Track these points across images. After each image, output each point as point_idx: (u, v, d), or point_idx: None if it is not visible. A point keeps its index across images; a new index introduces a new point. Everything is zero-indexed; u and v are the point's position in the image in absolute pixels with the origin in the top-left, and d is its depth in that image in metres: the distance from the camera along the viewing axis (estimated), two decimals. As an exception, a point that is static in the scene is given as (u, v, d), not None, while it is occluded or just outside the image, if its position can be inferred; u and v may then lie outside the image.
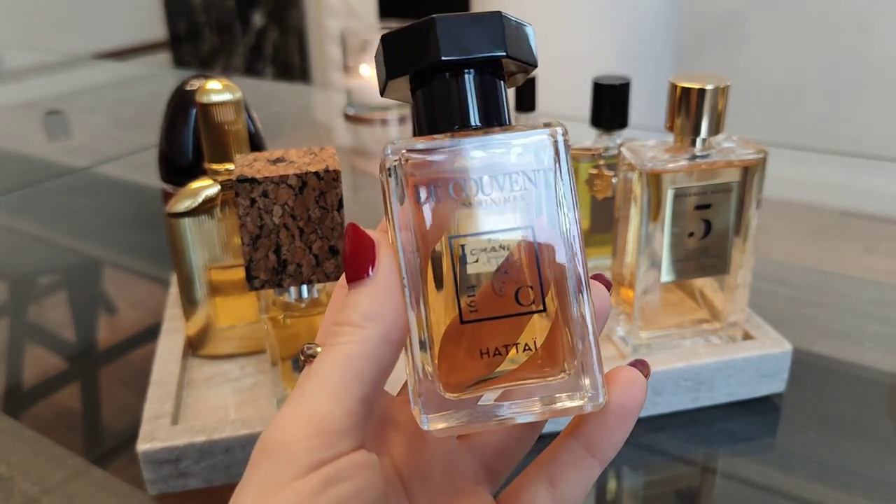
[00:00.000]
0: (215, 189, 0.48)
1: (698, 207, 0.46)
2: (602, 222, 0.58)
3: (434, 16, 0.23)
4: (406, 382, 0.26)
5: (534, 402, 0.22)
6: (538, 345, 0.23)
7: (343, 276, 0.24)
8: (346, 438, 0.21)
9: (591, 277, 0.24)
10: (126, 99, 1.39)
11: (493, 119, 0.24)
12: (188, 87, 0.58)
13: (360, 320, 0.22)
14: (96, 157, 1.04)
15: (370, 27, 1.28)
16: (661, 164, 0.45)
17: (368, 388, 0.22)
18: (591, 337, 0.23)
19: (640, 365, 0.24)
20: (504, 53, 0.23)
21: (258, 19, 2.49)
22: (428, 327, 0.22)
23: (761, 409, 0.48)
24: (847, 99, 1.66)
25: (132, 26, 2.39)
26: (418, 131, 0.24)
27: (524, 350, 0.23)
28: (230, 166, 0.48)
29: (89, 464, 0.46)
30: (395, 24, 1.12)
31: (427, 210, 0.23)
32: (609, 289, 0.25)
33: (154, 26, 2.46)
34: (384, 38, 0.24)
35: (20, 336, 0.63)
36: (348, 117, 1.11)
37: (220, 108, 0.46)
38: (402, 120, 1.08)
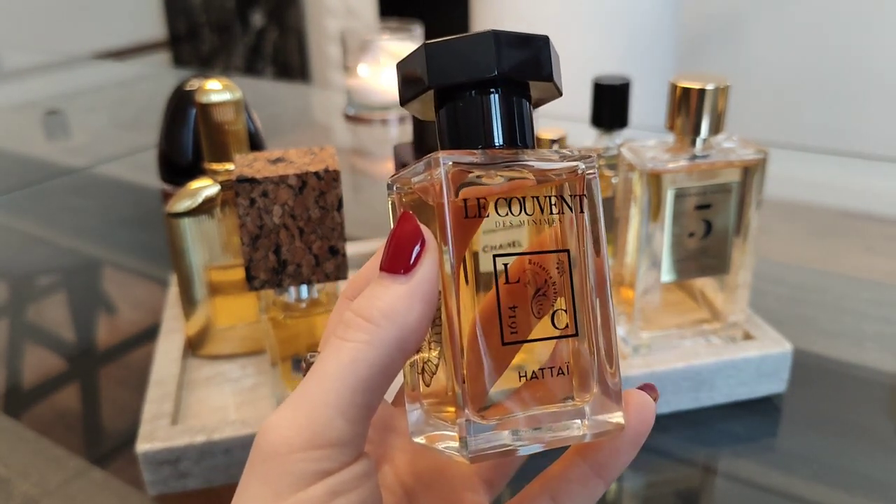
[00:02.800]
0: (215, 189, 0.48)
1: (698, 207, 0.46)
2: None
3: (493, 29, 0.23)
4: (402, 391, 0.26)
5: (561, 428, 0.22)
6: (570, 368, 0.23)
7: (347, 286, 0.24)
8: (349, 449, 0.20)
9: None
10: (126, 99, 1.39)
11: (524, 141, 0.24)
12: (188, 87, 0.58)
13: (379, 317, 0.21)
14: (96, 157, 1.04)
15: (370, 27, 1.28)
16: (661, 164, 0.45)
17: (372, 396, 0.21)
18: (617, 363, 0.23)
19: (649, 388, 0.24)
20: (550, 77, 0.23)
21: (258, 19, 2.49)
22: (461, 348, 0.22)
23: (762, 410, 0.48)
24: (847, 99, 1.66)
25: (132, 26, 2.39)
26: (444, 144, 0.24)
27: (558, 374, 0.23)
28: (230, 166, 0.48)
29: (89, 464, 0.45)
30: (393, 24, 1.12)
31: (471, 225, 0.22)
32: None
33: (154, 26, 2.46)
34: (430, 46, 0.23)
35: (20, 336, 0.63)
36: (348, 117, 1.11)
37: (219, 108, 0.46)
38: (401, 120, 1.08)
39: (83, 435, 0.50)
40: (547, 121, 0.69)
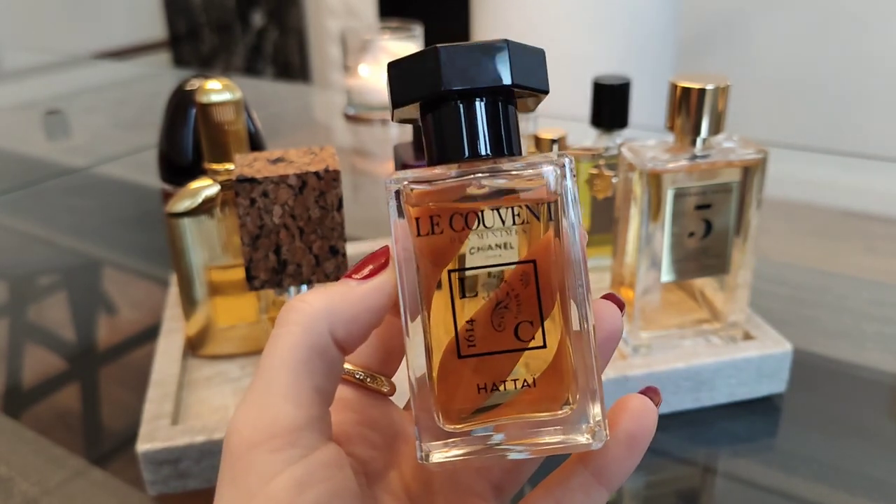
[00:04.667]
0: (215, 189, 0.48)
1: (698, 207, 0.46)
2: (602, 222, 0.58)
3: (438, 45, 0.23)
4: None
5: (533, 438, 0.22)
6: (536, 381, 0.22)
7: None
8: (307, 433, 0.20)
9: (603, 297, 0.24)
10: (126, 99, 1.39)
11: (502, 148, 0.23)
12: (188, 87, 0.58)
13: (313, 301, 0.22)
14: (96, 157, 1.04)
15: (370, 27, 1.28)
16: (661, 164, 0.45)
17: (317, 379, 0.21)
18: (594, 373, 0.22)
19: (651, 392, 0.24)
20: (509, 82, 0.23)
21: (258, 19, 2.49)
22: (428, 359, 0.22)
23: (762, 410, 0.48)
24: (847, 99, 1.66)
25: (132, 26, 2.39)
26: (427, 160, 0.24)
27: (522, 385, 0.22)
28: (230, 166, 0.48)
29: (89, 464, 0.45)
30: (393, 24, 1.12)
31: (429, 242, 0.22)
32: (622, 309, 0.24)
33: (154, 26, 2.46)
34: (389, 66, 0.24)
35: (20, 336, 0.63)
36: (348, 117, 1.11)
37: (219, 108, 0.46)
38: (401, 120, 1.08)
39: (83, 435, 0.50)
40: (547, 121, 0.69)
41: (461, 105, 0.23)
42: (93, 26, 2.27)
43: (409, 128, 0.81)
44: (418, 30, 1.09)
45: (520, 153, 0.24)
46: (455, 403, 0.22)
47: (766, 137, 0.57)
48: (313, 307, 0.22)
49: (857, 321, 0.58)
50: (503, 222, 0.22)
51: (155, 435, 0.42)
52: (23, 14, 2.13)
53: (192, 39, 2.51)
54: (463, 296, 0.22)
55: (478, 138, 0.23)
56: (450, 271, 0.22)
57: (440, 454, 0.22)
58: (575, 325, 0.22)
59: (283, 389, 0.21)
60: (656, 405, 0.23)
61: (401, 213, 0.22)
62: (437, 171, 0.23)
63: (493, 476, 0.26)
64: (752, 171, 0.46)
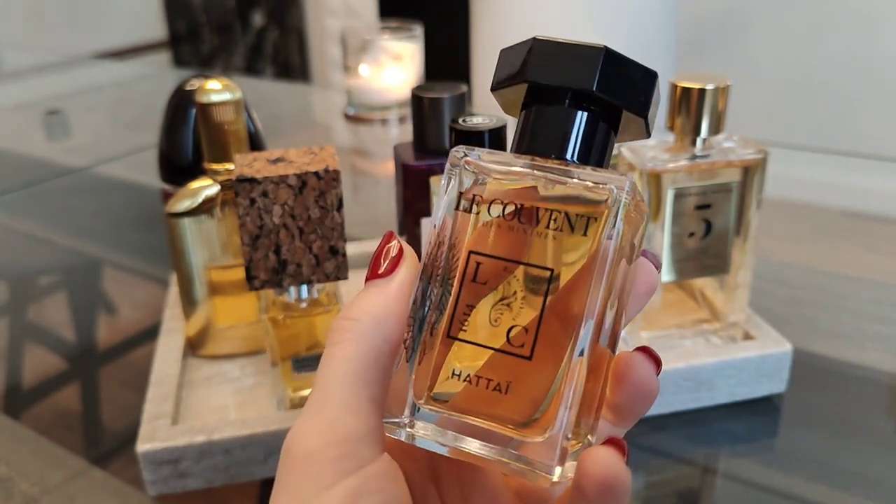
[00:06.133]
0: (215, 189, 0.48)
1: (698, 207, 0.46)
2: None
3: (537, 35, 0.23)
4: None
5: (498, 452, 0.21)
6: (509, 389, 0.21)
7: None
8: (364, 444, 0.21)
9: (638, 349, 0.23)
10: (126, 99, 1.39)
11: (576, 154, 0.23)
12: (188, 87, 0.58)
13: (361, 315, 0.22)
14: (96, 157, 1.04)
15: (370, 27, 1.28)
16: (661, 164, 0.45)
17: (373, 388, 0.22)
18: (568, 415, 0.21)
19: (617, 444, 0.21)
20: (591, 88, 0.22)
21: (258, 19, 2.48)
22: (430, 332, 0.22)
23: (762, 410, 0.48)
24: (847, 99, 1.66)
25: (132, 26, 2.39)
26: (514, 147, 0.24)
27: (494, 389, 0.21)
28: (230, 166, 0.48)
29: (89, 464, 0.45)
30: (394, 24, 1.12)
31: (462, 218, 0.23)
32: (659, 366, 0.23)
33: (154, 26, 2.46)
34: (501, 52, 0.24)
35: (20, 336, 0.63)
36: (348, 117, 1.11)
37: (219, 108, 0.46)
38: (401, 120, 1.08)
39: (83, 435, 0.50)
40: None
41: (542, 99, 0.23)
42: (93, 26, 2.27)
43: (409, 128, 0.81)
44: (418, 30, 1.09)
45: (598, 165, 0.23)
46: (426, 380, 0.22)
47: (766, 137, 0.57)
48: (362, 321, 0.22)
49: (857, 321, 0.58)
50: (537, 223, 0.22)
51: (155, 435, 0.42)
52: (23, 14, 2.13)
53: (192, 39, 2.51)
54: (474, 280, 0.22)
55: (551, 137, 0.23)
56: (470, 252, 0.22)
57: (402, 430, 0.22)
58: (576, 355, 0.21)
59: (341, 400, 0.21)
60: (623, 455, 0.21)
61: (448, 183, 0.23)
62: (502, 157, 0.23)
63: (530, 500, 0.25)
64: (752, 171, 0.46)
